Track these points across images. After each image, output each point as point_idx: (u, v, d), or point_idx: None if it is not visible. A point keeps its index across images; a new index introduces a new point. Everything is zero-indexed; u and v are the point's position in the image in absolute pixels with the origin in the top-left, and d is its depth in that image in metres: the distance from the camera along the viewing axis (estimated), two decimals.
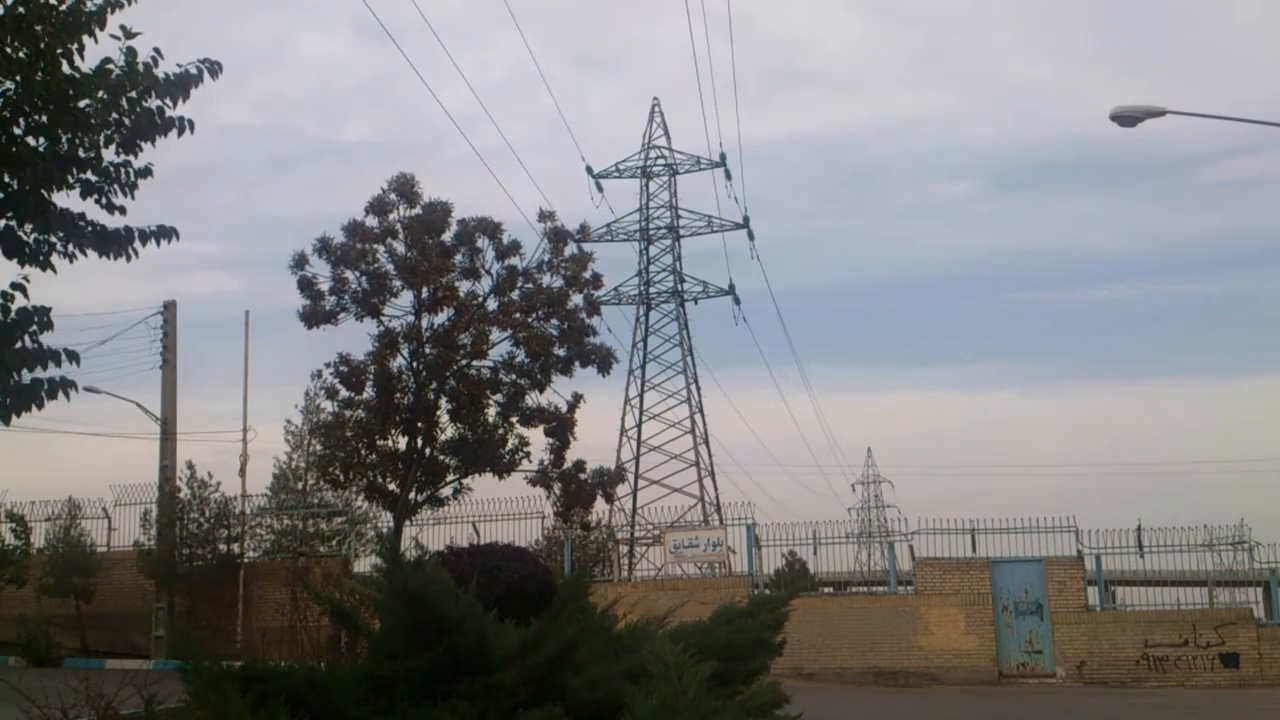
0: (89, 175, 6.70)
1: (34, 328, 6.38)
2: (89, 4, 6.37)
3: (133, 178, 6.81)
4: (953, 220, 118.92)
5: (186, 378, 30.27)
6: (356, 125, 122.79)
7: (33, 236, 6.58)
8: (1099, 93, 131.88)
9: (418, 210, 23.57)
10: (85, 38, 6.35)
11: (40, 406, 6.41)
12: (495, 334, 23.49)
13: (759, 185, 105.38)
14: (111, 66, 6.48)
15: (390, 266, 23.35)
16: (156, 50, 6.56)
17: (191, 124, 6.84)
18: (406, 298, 23.52)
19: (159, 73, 6.61)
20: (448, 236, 23.64)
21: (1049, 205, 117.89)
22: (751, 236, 50.21)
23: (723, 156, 49.46)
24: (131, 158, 6.78)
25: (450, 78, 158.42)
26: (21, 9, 6.13)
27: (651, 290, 49.41)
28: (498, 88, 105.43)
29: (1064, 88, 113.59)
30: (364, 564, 25.36)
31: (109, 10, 6.41)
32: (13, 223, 6.49)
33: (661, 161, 50.19)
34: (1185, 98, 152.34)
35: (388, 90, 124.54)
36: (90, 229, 6.69)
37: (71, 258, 6.72)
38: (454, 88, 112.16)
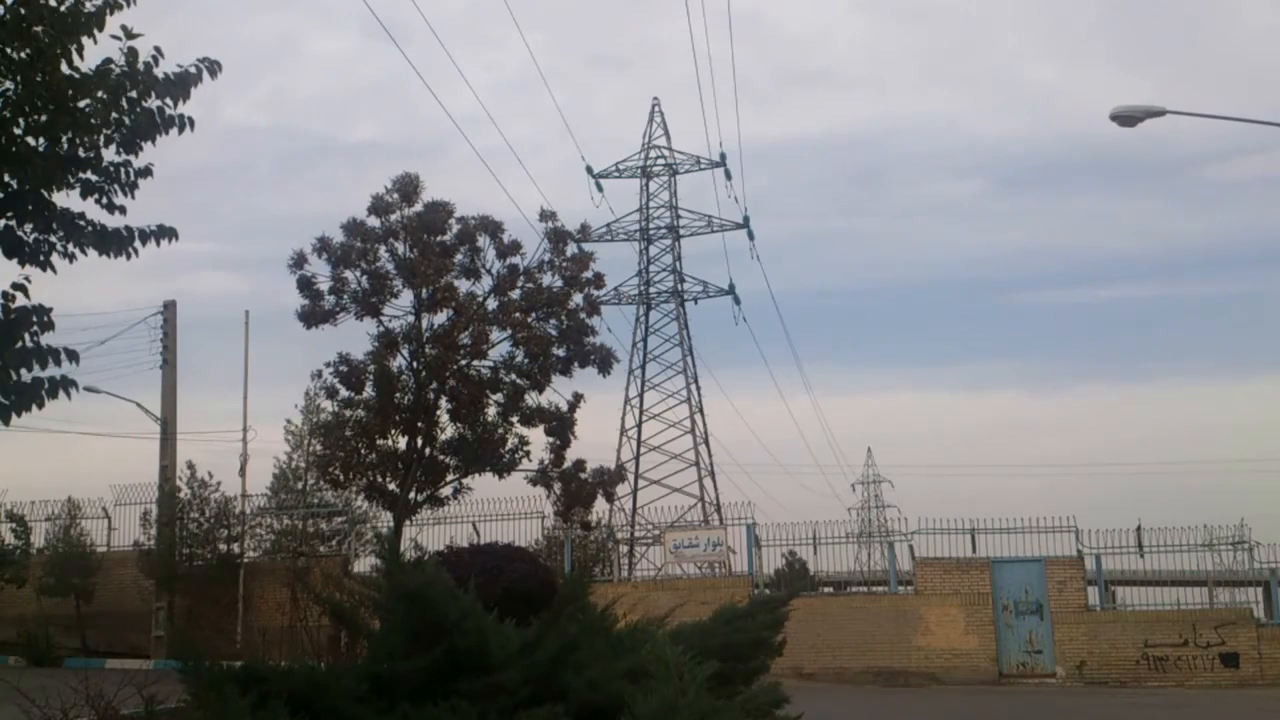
0: (89, 175, 6.70)
1: (34, 327, 6.38)
2: (88, 5, 6.36)
3: (133, 177, 6.81)
4: (958, 220, 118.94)
5: (187, 378, 30.28)
6: (365, 125, 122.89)
7: (33, 236, 6.58)
8: (1106, 93, 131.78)
9: (419, 209, 23.57)
10: (85, 38, 6.35)
11: (40, 406, 6.41)
12: (495, 334, 23.51)
13: (765, 185, 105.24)
14: (112, 66, 6.48)
15: (390, 266, 23.36)
16: (157, 50, 6.56)
17: (192, 122, 6.84)
18: (406, 297, 23.55)
19: (159, 72, 6.61)
20: (448, 236, 23.63)
21: (1054, 205, 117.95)
22: (751, 236, 50.33)
23: (723, 156, 49.54)
24: (132, 157, 6.78)
25: (459, 77, 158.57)
26: (22, 9, 6.13)
27: (651, 290, 49.46)
28: (508, 87, 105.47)
29: (1071, 88, 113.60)
30: (364, 564, 25.36)
31: (109, 11, 6.41)
32: (13, 223, 6.48)
33: (661, 161, 50.25)
34: (1193, 98, 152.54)
35: (396, 90, 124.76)
36: (90, 229, 6.69)
37: (71, 258, 6.72)
38: (463, 87, 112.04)
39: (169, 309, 27.22)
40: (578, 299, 24.18)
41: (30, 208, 6.47)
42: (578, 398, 24.55)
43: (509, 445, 23.99)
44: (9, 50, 6.18)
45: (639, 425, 47.48)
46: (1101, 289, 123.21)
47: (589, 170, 50.06)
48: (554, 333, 23.81)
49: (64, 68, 6.34)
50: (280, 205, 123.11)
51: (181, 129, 6.80)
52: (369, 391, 23.65)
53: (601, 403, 52.84)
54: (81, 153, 6.59)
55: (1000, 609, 23.32)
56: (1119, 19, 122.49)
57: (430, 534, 25.09)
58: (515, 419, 24.04)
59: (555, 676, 5.76)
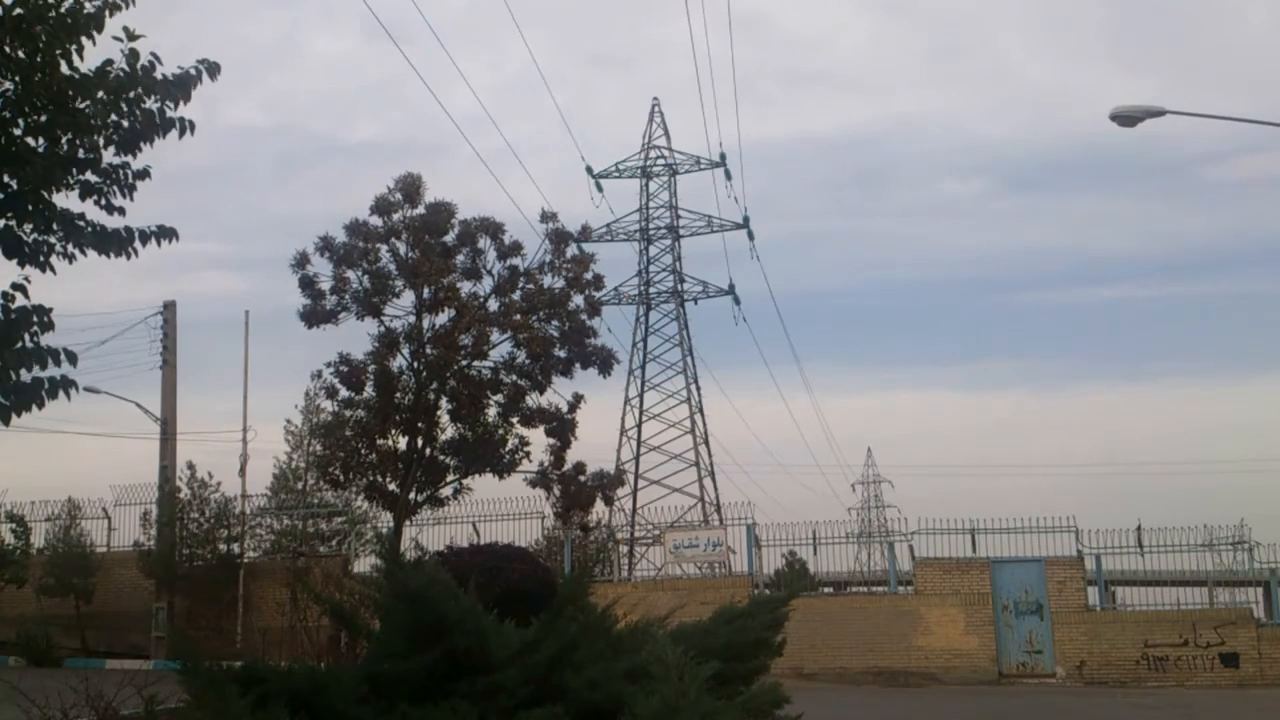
0: (89, 176, 6.70)
1: (34, 327, 6.38)
2: (88, 5, 6.36)
3: (131, 179, 6.81)
4: (959, 220, 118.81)
5: (187, 378, 30.28)
6: (365, 125, 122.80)
7: (32, 237, 6.59)
8: (1109, 93, 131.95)
9: (421, 210, 23.58)
10: (85, 39, 6.35)
11: (40, 406, 6.41)
12: (496, 335, 23.49)
13: (768, 184, 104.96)
14: (111, 68, 6.48)
15: (392, 266, 23.37)
16: (154, 55, 6.56)
17: (192, 125, 6.84)
18: (408, 298, 23.54)
19: (158, 74, 6.61)
20: (450, 237, 23.65)
21: (1058, 205, 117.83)
22: (751, 236, 50.30)
23: (723, 156, 49.52)
24: (131, 158, 6.78)
25: (459, 77, 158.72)
26: (20, 10, 6.13)
27: (651, 290, 49.45)
28: (510, 87, 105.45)
29: (1074, 88, 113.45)
30: (364, 564, 25.40)
31: (108, 12, 6.41)
32: (13, 223, 6.49)
33: (661, 161, 50.24)
34: (1197, 98, 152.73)
35: (397, 90, 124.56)
36: (90, 229, 6.70)
37: (71, 258, 6.72)
38: (463, 87, 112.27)
39: (169, 309, 27.24)
40: (578, 300, 24.19)
41: (30, 208, 6.48)
42: (578, 398, 24.56)
43: (509, 446, 23.99)
44: (9, 50, 6.18)
45: (639, 425, 47.48)
46: (1102, 289, 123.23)
47: (589, 170, 50.09)
48: (555, 334, 23.81)
49: (64, 68, 6.34)
50: (281, 205, 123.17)
51: (182, 132, 6.80)
52: (369, 391, 23.66)
53: (601, 403, 52.86)
54: (81, 153, 6.60)
55: (1000, 609, 23.31)
56: (1119, 19, 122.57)
57: (430, 534, 25.12)
58: (515, 420, 24.05)
59: (555, 677, 5.76)
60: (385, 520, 25.42)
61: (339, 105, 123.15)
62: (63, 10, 6.28)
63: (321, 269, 23.39)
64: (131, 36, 6.45)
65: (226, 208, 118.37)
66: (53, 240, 6.63)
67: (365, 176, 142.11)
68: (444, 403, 23.92)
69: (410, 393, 23.61)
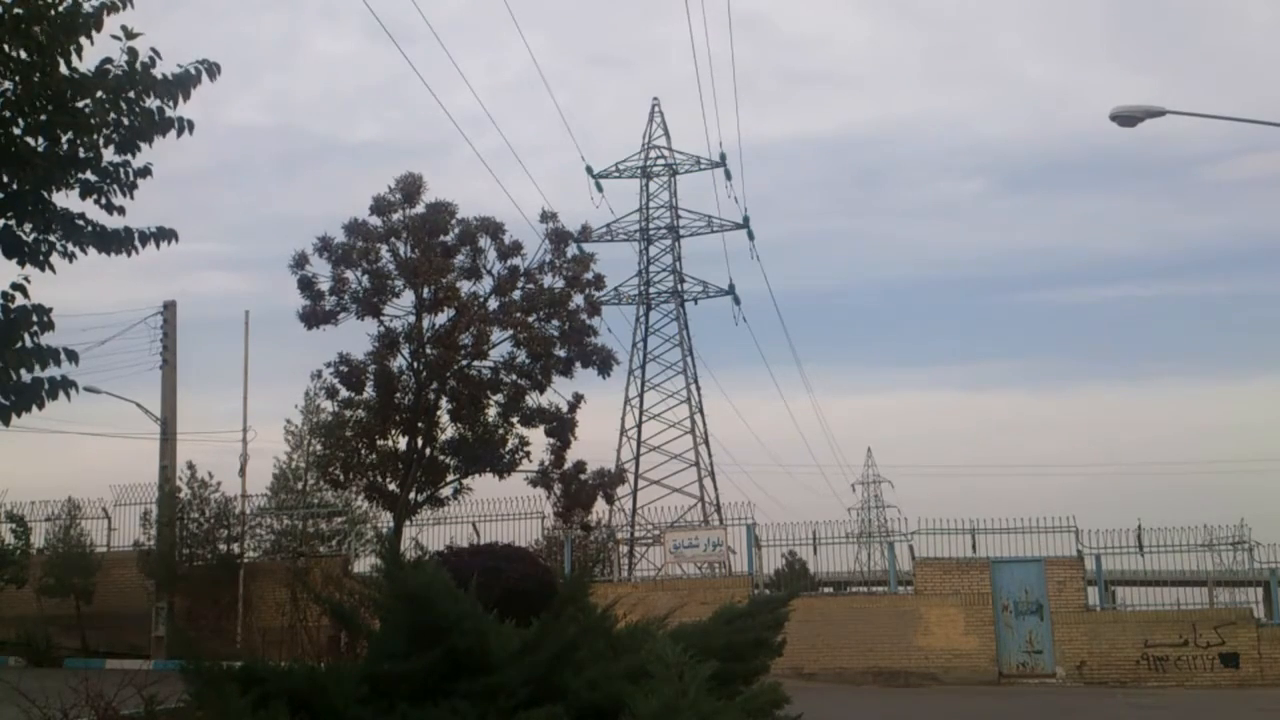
0: (88, 175, 6.69)
1: (34, 327, 6.38)
2: (86, 5, 6.36)
3: (132, 178, 6.81)
4: (959, 220, 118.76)
5: (187, 378, 30.25)
6: (366, 125, 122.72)
7: (32, 236, 6.58)
8: (1110, 93, 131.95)
9: (421, 210, 23.58)
10: (84, 39, 6.36)
11: (41, 406, 6.41)
12: (496, 334, 23.50)
13: (769, 184, 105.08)
14: (110, 67, 6.48)
15: (392, 266, 23.38)
16: (154, 51, 6.56)
17: (191, 125, 6.83)
18: (407, 297, 23.55)
19: (157, 73, 6.61)
20: (450, 237, 23.65)
21: (1058, 205, 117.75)
22: (751, 236, 50.33)
23: (723, 156, 49.54)
24: (130, 158, 6.78)
25: (460, 78, 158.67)
26: (20, 10, 6.13)
27: (651, 290, 49.47)
28: (511, 87, 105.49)
29: (1075, 87, 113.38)
30: (364, 564, 25.38)
31: (106, 12, 6.41)
32: (12, 223, 6.49)
33: (661, 161, 50.26)
34: (1197, 98, 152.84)
35: (398, 90, 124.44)
36: (90, 229, 6.69)
37: (71, 257, 6.72)
38: (464, 88, 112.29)
39: (169, 309, 27.22)
40: (578, 300, 24.20)
41: (30, 208, 6.47)
42: (578, 398, 24.57)
43: (509, 446, 23.99)
44: (9, 50, 6.18)
45: (639, 425, 47.51)
46: (1102, 289, 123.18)
47: (589, 170, 50.11)
48: (555, 333, 23.81)
49: (63, 68, 6.34)
50: (282, 205, 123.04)
51: (180, 132, 6.79)
52: (369, 392, 23.66)
53: (601, 403, 52.90)
54: (81, 153, 6.59)
55: (1000, 609, 23.32)
56: (1120, 19, 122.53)
57: (430, 534, 25.11)
58: (515, 419, 24.05)
59: (555, 677, 5.76)
60: (385, 520, 25.43)
61: (339, 105, 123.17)
62: (62, 10, 6.28)
63: (320, 269, 23.43)
64: (130, 35, 6.45)
65: (226, 208, 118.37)
66: (53, 240, 6.63)
67: (366, 176, 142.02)
68: (444, 403, 23.92)
69: (410, 393, 23.62)
